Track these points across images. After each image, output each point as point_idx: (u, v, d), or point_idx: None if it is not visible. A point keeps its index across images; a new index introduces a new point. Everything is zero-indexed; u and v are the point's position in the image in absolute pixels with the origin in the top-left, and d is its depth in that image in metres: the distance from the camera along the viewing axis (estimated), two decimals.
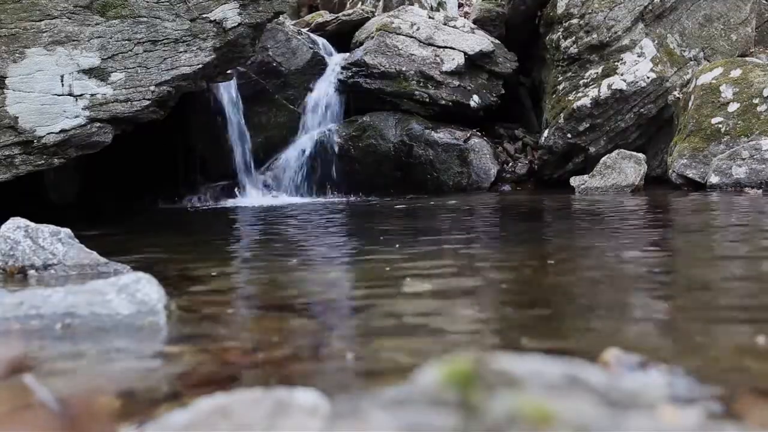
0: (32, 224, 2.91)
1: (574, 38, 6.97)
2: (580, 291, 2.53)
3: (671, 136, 6.70)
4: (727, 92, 6.32)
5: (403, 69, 7.22)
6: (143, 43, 4.87)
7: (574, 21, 6.97)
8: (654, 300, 2.34)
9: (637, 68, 6.81)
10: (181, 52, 4.92)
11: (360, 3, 8.80)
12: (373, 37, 7.47)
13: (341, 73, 7.31)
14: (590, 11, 6.91)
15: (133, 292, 2.07)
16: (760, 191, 5.73)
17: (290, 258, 3.46)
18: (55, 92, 4.70)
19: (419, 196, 6.63)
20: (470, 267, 3.06)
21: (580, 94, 6.91)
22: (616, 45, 6.88)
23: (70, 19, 4.75)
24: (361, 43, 7.54)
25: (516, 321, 2.11)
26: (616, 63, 6.87)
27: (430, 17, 7.73)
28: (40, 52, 4.68)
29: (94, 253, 2.90)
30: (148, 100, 4.84)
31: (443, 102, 7.23)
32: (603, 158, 6.55)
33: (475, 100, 7.32)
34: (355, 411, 0.89)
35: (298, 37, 7.38)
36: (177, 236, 4.61)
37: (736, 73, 6.41)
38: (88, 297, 2.04)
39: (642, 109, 6.84)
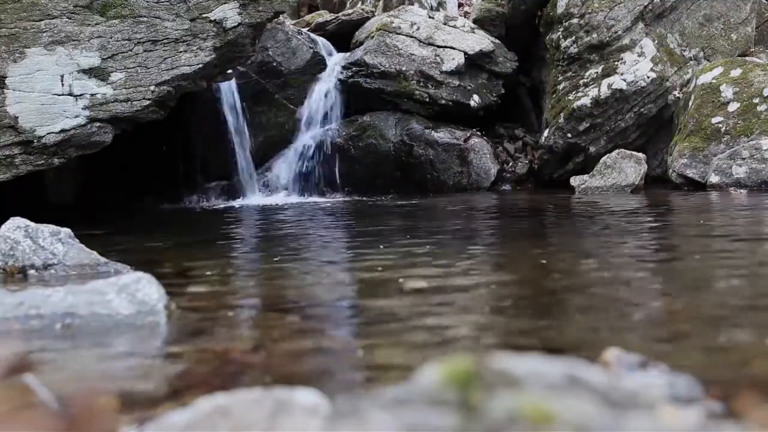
0: (32, 224, 2.91)
1: (574, 38, 6.96)
2: (580, 290, 2.53)
3: (671, 135, 6.70)
4: (727, 92, 6.32)
5: (403, 69, 7.22)
6: (143, 42, 4.86)
7: (574, 21, 6.96)
8: (654, 299, 2.34)
9: (637, 68, 6.81)
10: (181, 51, 4.92)
11: (360, 3, 8.80)
12: (373, 37, 7.47)
13: (341, 72, 7.31)
14: (590, 11, 6.91)
15: (134, 292, 2.07)
16: (745, 191, 5.74)
17: (290, 258, 3.46)
18: (55, 92, 4.70)
19: (419, 196, 6.62)
20: (470, 267, 3.06)
21: (580, 94, 6.91)
22: (616, 45, 6.88)
23: (70, 19, 4.75)
24: (361, 43, 7.54)
25: (516, 320, 2.11)
26: (616, 63, 6.86)
27: (430, 17, 7.72)
28: (40, 52, 4.68)
29: (94, 253, 2.90)
30: (148, 99, 4.84)
31: (443, 102, 7.23)
32: (603, 158, 6.55)
33: (475, 100, 7.32)
34: (355, 411, 0.89)
35: (298, 36, 7.38)
36: (177, 236, 4.61)
37: (736, 72, 6.41)
38: (88, 297, 2.04)
39: (642, 109, 6.84)
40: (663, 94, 6.83)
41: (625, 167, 6.43)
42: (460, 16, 8.31)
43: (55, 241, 2.87)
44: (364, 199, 6.66)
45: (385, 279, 2.73)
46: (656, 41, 6.94)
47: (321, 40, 7.59)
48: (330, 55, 7.50)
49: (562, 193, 6.39)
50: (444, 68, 7.26)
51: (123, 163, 6.39)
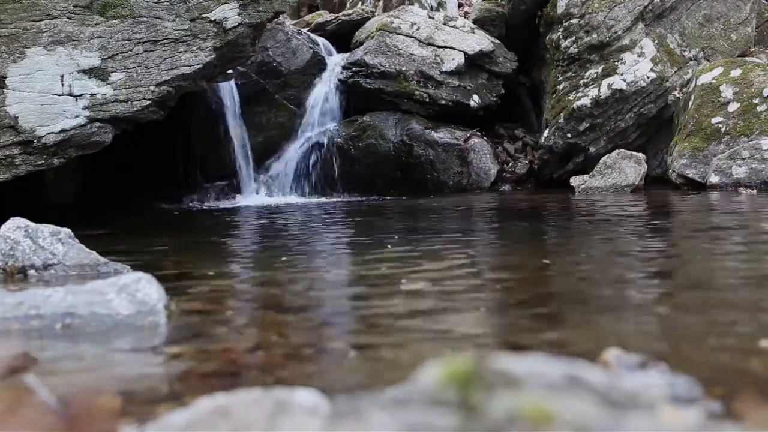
0: (32, 224, 2.91)
1: (574, 38, 6.96)
2: (580, 290, 2.53)
3: (671, 136, 6.70)
4: (727, 92, 6.32)
5: (403, 69, 7.22)
6: (143, 43, 4.86)
7: (574, 21, 6.96)
8: (654, 299, 2.34)
9: (637, 68, 6.81)
10: (181, 52, 4.92)
11: (360, 3, 8.80)
12: (373, 37, 7.47)
13: (341, 72, 7.31)
14: (590, 11, 6.91)
15: (134, 292, 2.07)
16: (755, 191, 5.73)
17: (290, 258, 3.46)
18: (55, 92, 4.70)
19: (419, 196, 6.62)
20: (470, 267, 3.06)
21: (580, 94, 6.91)
22: (616, 45, 6.88)
23: (70, 19, 4.75)
24: (361, 43, 7.54)
25: (516, 321, 2.11)
26: (616, 63, 6.86)
27: (430, 17, 7.72)
28: (40, 52, 4.68)
29: (94, 253, 2.90)
30: (148, 100, 4.84)
31: (443, 102, 7.23)
32: (603, 158, 6.55)
33: (475, 100, 7.32)
34: (355, 411, 0.89)
35: (298, 37, 7.38)
36: (177, 236, 4.61)
37: (736, 72, 6.41)
38: (88, 297, 2.04)
39: (642, 109, 6.84)
40: (663, 95, 6.83)
41: (625, 167, 6.43)
42: (460, 16, 8.31)
43: (55, 241, 2.87)
44: (364, 199, 6.66)
45: (386, 279, 2.73)
46: (656, 41, 6.94)
47: (321, 41, 7.59)
48: (330, 55, 7.50)
49: (562, 193, 6.39)
50: (444, 68, 7.26)
51: (123, 163, 6.39)
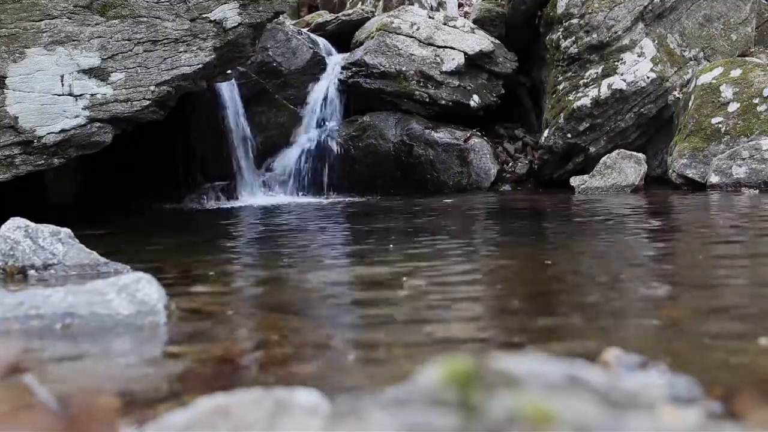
0: (32, 224, 2.91)
1: (574, 38, 6.96)
2: (579, 291, 2.53)
3: (671, 136, 6.70)
4: (727, 92, 6.32)
5: (403, 69, 7.22)
6: (143, 43, 4.86)
7: (574, 21, 6.96)
8: (654, 300, 2.34)
9: (637, 68, 6.81)
10: (181, 52, 4.92)
11: (360, 3, 8.80)
12: (373, 37, 7.47)
13: (341, 72, 7.31)
14: (590, 11, 6.91)
15: (134, 292, 2.07)
16: (757, 191, 5.73)
17: (290, 258, 3.46)
18: (55, 92, 4.70)
19: (419, 196, 6.62)
20: (471, 267, 3.06)
21: (580, 94, 6.91)
22: (616, 45, 6.88)
23: (70, 19, 4.75)
24: (361, 43, 7.54)
25: (516, 321, 2.11)
26: (616, 63, 6.86)
27: (430, 17, 7.72)
28: (40, 52, 4.68)
29: (94, 253, 2.90)
30: (148, 100, 4.84)
31: (443, 102, 7.23)
32: (603, 158, 6.55)
33: (475, 100, 7.32)
34: (355, 411, 0.89)
35: (298, 37, 7.38)
36: (177, 236, 4.61)
37: (736, 73, 6.41)
38: (88, 297, 2.04)
39: (642, 109, 6.84)
40: (663, 95, 6.83)
41: (625, 167, 6.42)
42: (460, 16, 8.31)
43: (55, 241, 2.87)
44: (364, 199, 6.66)
45: (386, 279, 2.73)
46: (656, 41, 6.94)
47: (321, 41, 7.59)
48: (330, 55, 7.50)
49: (562, 193, 6.39)
50: (444, 68, 7.26)
51: (123, 163, 6.39)
